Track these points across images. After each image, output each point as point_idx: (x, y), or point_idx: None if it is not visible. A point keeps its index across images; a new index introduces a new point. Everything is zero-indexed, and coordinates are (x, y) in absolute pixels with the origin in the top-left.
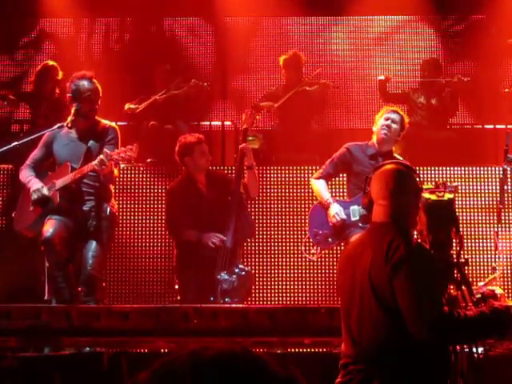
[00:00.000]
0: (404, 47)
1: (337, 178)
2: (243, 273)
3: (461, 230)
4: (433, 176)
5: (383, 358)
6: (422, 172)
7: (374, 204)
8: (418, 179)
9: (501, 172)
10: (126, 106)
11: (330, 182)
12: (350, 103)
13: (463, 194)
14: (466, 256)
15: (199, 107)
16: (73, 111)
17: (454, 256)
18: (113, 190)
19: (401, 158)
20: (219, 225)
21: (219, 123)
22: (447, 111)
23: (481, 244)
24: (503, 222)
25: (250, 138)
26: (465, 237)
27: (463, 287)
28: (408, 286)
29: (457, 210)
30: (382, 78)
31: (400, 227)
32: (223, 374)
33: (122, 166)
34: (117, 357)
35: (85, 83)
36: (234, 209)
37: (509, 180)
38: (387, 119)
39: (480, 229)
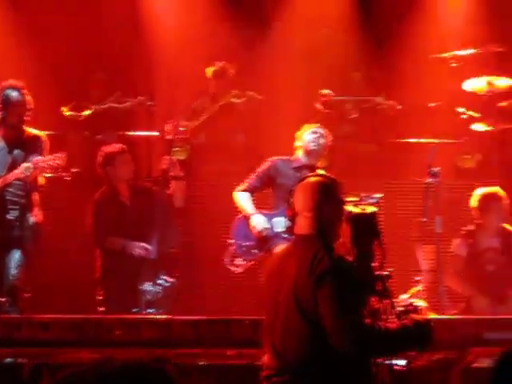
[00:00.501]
0: (333, 61)
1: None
2: (168, 284)
3: (384, 242)
4: (357, 189)
5: (307, 370)
6: (345, 185)
7: (298, 216)
8: (341, 192)
9: (424, 186)
10: (65, 111)
11: (255, 195)
12: (278, 116)
13: (387, 207)
14: (388, 269)
15: (131, 120)
16: None
17: (377, 268)
18: (38, 200)
19: (324, 173)
20: (143, 236)
21: (145, 133)
22: (375, 130)
23: (404, 257)
24: (426, 235)
25: (176, 149)
26: (388, 249)
27: (385, 300)
28: (331, 298)
29: (380, 222)
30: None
31: (324, 239)
32: None
33: (47, 175)
34: (38, 368)
35: (14, 94)
36: (159, 220)
37: (431, 194)
38: (315, 133)
39: (403, 242)
